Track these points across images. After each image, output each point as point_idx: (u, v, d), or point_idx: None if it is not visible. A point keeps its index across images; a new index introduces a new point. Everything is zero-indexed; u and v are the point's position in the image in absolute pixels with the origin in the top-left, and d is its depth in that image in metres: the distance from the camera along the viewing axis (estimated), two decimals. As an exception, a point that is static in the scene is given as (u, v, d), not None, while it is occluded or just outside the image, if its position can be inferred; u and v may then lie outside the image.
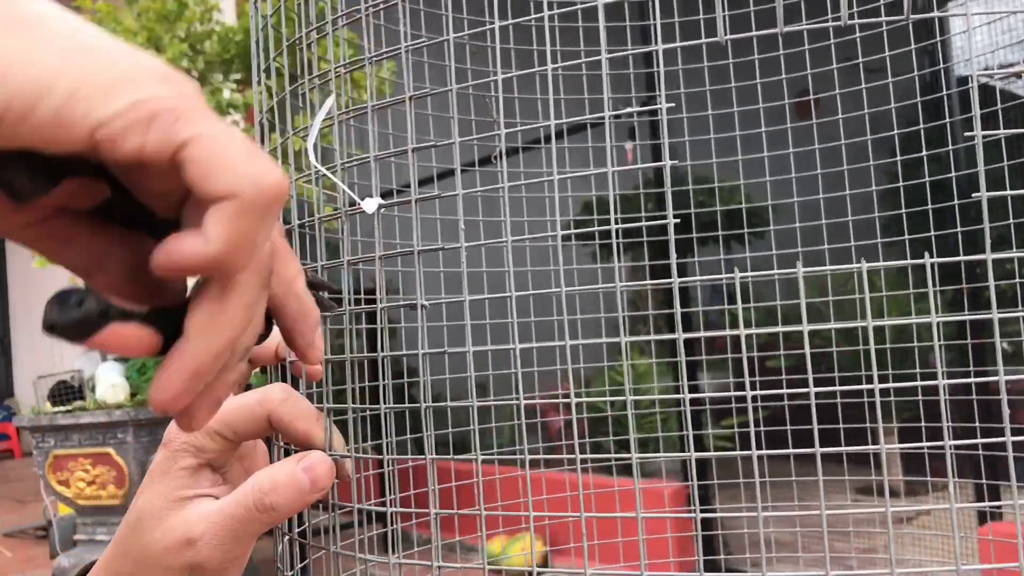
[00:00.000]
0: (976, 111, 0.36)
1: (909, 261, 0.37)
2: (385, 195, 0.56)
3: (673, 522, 2.46)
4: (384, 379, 0.49)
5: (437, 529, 0.47)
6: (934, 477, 1.14)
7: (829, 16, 1.04)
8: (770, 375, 1.18)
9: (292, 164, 0.55)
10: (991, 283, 0.35)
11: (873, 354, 0.36)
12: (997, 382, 0.37)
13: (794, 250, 1.20)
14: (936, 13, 1.71)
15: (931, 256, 0.41)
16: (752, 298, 1.27)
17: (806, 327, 0.32)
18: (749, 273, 0.37)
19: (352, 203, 0.49)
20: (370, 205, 0.47)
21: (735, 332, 0.35)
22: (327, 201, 0.52)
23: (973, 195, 0.36)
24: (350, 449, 0.49)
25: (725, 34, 0.34)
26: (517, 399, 0.46)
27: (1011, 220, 0.94)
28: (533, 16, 0.45)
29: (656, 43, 0.34)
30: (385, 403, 0.51)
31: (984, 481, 1.42)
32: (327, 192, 0.50)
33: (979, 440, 0.38)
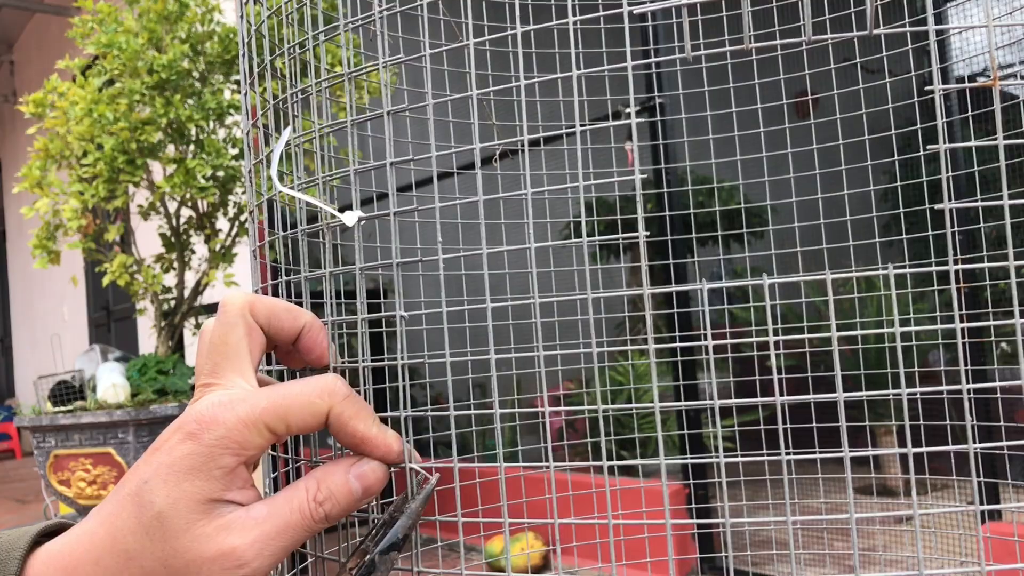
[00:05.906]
0: (940, 121, 0.36)
1: (879, 269, 0.37)
2: (384, 197, 0.57)
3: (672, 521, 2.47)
4: (364, 384, 0.49)
5: (417, 533, 0.47)
6: (933, 476, 1.14)
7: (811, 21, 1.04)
8: (770, 375, 1.18)
9: (271, 171, 0.55)
10: (952, 287, 0.35)
11: (860, 355, 0.36)
12: (993, 383, 0.37)
13: (793, 250, 1.20)
14: (906, 26, 1.71)
15: (931, 257, 0.41)
16: (751, 298, 1.28)
17: (771, 338, 0.32)
18: (716, 283, 0.38)
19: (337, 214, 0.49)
20: (350, 218, 0.48)
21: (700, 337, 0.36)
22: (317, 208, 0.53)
23: (937, 205, 0.37)
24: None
25: (691, 51, 0.35)
26: (510, 404, 0.47)
27: (1007, 220, 0.94)
28: (533, 25, 0.46)
29: (628, 59, 0.36)
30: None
31: (983, 479, 1.43)
32: (311, 208, 0.50)
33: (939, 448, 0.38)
